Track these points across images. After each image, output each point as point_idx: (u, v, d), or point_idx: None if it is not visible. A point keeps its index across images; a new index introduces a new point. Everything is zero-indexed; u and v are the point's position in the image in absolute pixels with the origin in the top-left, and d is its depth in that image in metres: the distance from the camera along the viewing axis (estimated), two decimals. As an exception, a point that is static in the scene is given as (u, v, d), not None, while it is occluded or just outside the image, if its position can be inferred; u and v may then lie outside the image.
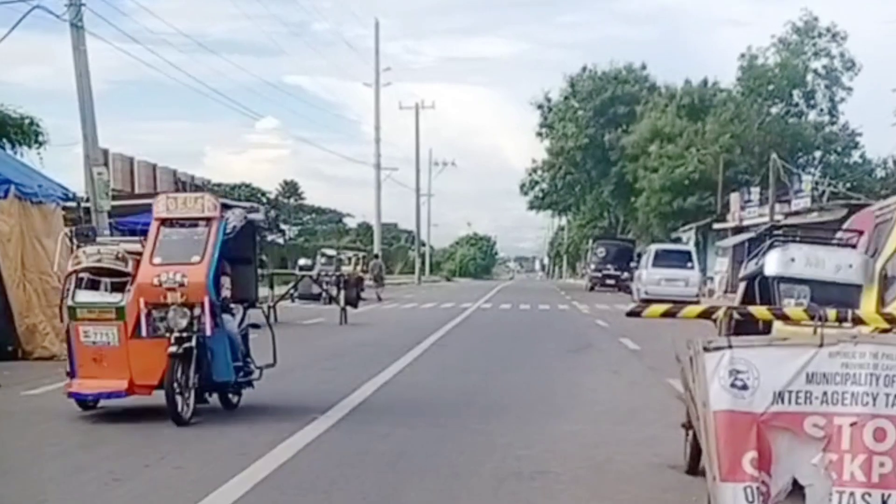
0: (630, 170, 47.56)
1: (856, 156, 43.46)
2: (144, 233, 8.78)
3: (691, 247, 29.27)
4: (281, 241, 41.96)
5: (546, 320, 25.57)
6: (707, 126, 44.19)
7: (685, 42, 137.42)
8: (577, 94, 52.69)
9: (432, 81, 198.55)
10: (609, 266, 50.71)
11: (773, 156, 33.14)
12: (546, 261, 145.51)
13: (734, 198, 38.81)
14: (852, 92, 43.15)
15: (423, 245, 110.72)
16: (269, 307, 23.11)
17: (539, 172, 60.14)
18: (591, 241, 58.75)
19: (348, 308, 23.26)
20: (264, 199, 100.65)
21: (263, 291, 24.14)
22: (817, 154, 43.84)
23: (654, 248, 28.24)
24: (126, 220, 18.96)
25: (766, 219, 33.59)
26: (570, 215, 76.86)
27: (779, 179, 33.56)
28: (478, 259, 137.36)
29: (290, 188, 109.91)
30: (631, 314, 5.67)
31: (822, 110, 43.28)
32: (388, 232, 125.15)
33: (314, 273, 34.31)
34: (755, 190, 36.99)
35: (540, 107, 55.91)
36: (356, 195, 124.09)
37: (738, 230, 37.86)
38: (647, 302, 28.35)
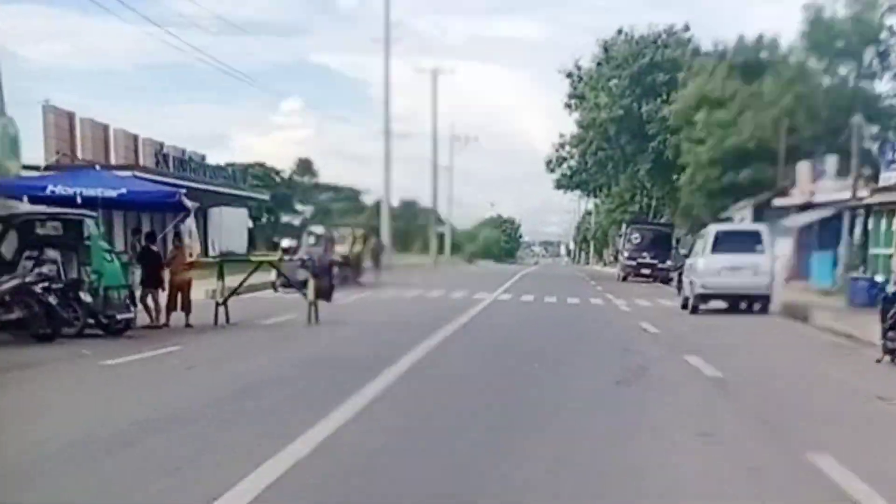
0: (671, 144, 41.64)
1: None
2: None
3: (761, 225, 23.27)
4: (296, 221, 36.67)
5: (577, 322, 20.03)
6: (765, 86, 38.14)
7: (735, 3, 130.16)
8: (611, 61, 46.77)
9: (459, 58, 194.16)
10: (645, 253, 45.11)
11: (857, 117, 27.15)
12: (572, 246, 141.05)
13: (803, 168, 32.86)
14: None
15: (443, 223, 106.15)
16: (216, 304, 17.99)
17: (567, 148, 54.29)
18: (623, 225, 52.94)
19: (320, 302, 17.77)
20: (277, 179, 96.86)
21: (210, 284, 18.88)
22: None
23: (713, 228, 22.48)
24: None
25: (847, 194, 27.78)
26: (601, 196, 71.01)
27: (863, 149, 27.63)
28: (501, 242, 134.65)
29: (304, 166, 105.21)
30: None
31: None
32: (407, 209, 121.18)
33: (300, 255, 29.09)
34: (832, 159, 31.04)
35: (569, 75, 50.09)
36: (381, 173, 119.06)
37: (806, 207, 31.95)
38: (705, 298, 22.66)
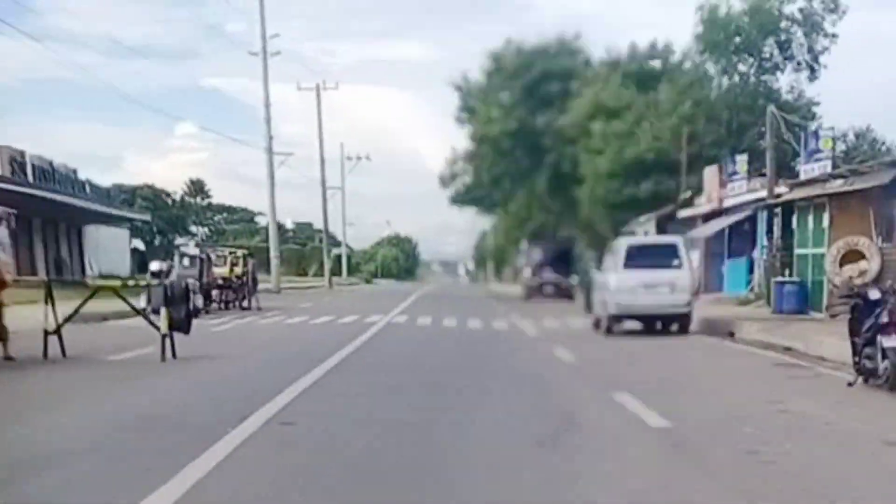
0: (568, 155, 39.50)
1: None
2: None
3: (676, 238, 21.07)
4: (191, 243, 33.28)
5: (482, 351, 17.42)
6: (661, 95, 36.36)
7: (625, 13, 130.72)
8: (501, 72, 44.49)
9: (350, 82, 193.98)
10: (547, 271, 43.02)
11: (771, 108, 25.24)
12: (471, 266, 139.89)
13: (710, 173, 30.91)
14: (837, 39, 35.55)
15: (338, 244, 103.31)
16: (45, 333, 14.77)
17: (460, 164, 51.79)
18: (524, 242, 50.76)
19: (177, 334, 14.86)
20: (168, 200, 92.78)
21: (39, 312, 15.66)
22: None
23: (624, 242, 20.23)
24: None
25: (761, 194, 25.89)
26: (498, 213, 68.63)
27: (782, 141, 25.76)
28: (400, 260, 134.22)
29: (197, 187, 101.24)
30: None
31: (799, 63, 35.57)
32: (302, 231, 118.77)
33: (171, 279, 25.94)
34: (741, 159, 29.08)
35: (458, 88, 47.65)
36: (281, 195, 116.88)
37: (715, 214, 30.03)
38: (619, 318, 20.27)
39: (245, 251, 34.61)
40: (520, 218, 66.04)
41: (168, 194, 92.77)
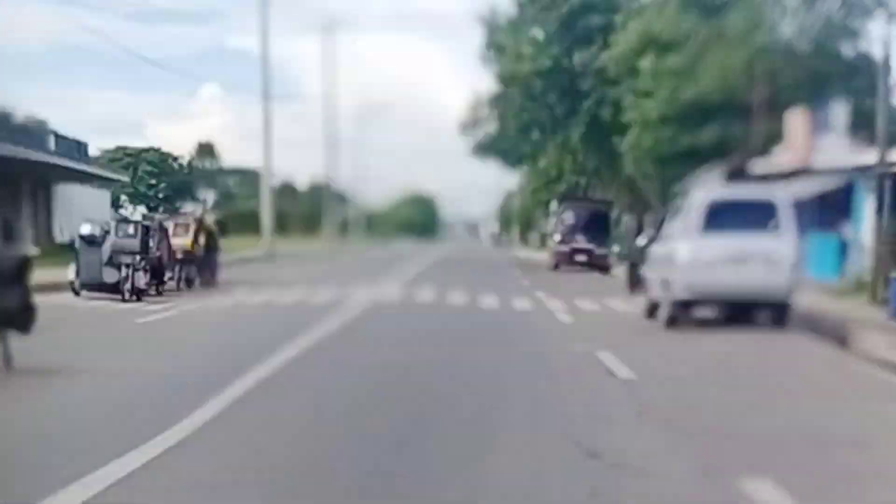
0: (610, 100, 33.87)
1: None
2: None
3: (776, 192, 15.72)
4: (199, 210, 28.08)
5: (492, 353, 12.23)
6: (729, 22, 30.60)
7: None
8: (535, 2, 38.84)
9: (375, 33, 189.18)
10: (580, 237, 37.89)
11: (884, 44, 19.58)
12: (495, 229, 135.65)
13: (796, 120, 25.24)
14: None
15: (345, 203, 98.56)
16: None
17: (485, 109, 46.21)
18: (554, 202, 45.35)
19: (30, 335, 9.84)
20: (175, 165, 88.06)
21: None
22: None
23: (704, 195, 14.75)
24: None
25: (860, 159, 20.51)
26: (526, 169, 62.97)
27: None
28: (419, 221, 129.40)
29: (206, 151, 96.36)
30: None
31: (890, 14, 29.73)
32: (317, 193, 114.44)
33: (106, 248, 21.02)
34: (841, 108, 23.44)
35: (485, 21, 41.93)
36: (303, 156, 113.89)
37: (799, 173, 24.54)
38: (689, 305, 14.96)
39: (216, 217, 29.51)
40: (549, 175, 60.67)
41: (175, 158, 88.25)
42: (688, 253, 14.31)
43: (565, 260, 38.21)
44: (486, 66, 41.88)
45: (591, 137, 38.71)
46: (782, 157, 25.99)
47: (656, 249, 16.29)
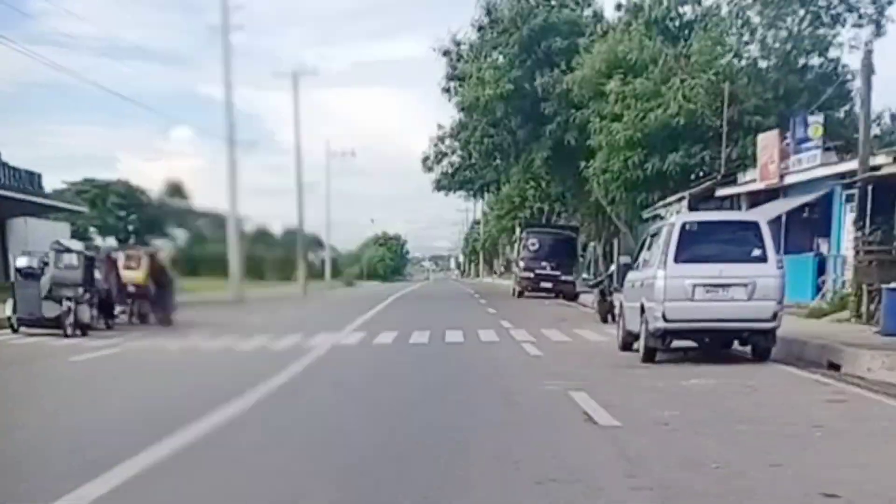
0: (575, 123, 32.93)
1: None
2: None
3: (755, 216, 14.75)
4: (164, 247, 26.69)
5: (456, 397, 11.02)
6: (694, 46, 29.92)
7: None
8: (495, 25, 37.99)
9: (344, 86, 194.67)
10: (545, 263, 37.02)
11: (868, 48, 18.73)
12: (461, 259, 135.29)
13: (766, 141, 24.33)
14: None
15: (321, 247, 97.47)
16: None
17: (447, 141, 45.32)
18: (517, 229, 44.36)
19: None
20: (144, 199, 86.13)
21: None
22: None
23: (678, 220, 13.71)
24: None
25: (837, 169, 19.69)
26: (488, 197, 62.26)
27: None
28: (387, 260, 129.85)
29: (174, 189, 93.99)
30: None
31: (860, 16, 29.15)
32: (290, 237, 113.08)
33: (45, 281, 19.76)
34: (815, 121, 22.56)
35: (446, 53, 41.09)
36: (274, 202, 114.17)
37: (765, 196, 23.72)
38: (665, 337, 13.82)
39: (170, 251, 28.20)
40: (513, 202, 59.93)
41: (143, 192, 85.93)
42: (665, 280, 13.25)
43: (530, 287, 37.32)
44: (449, 98, 41.01)
45: (555, 162, 37.80)
46: (752, 179, 25.15)
47: (632, 277, 15.23)
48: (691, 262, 13.28)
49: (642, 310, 13.77)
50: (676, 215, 14.08)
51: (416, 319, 25.13)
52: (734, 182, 26.67)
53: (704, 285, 13.18)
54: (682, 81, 29.18)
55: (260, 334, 20.33)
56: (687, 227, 13.48)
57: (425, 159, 47.33)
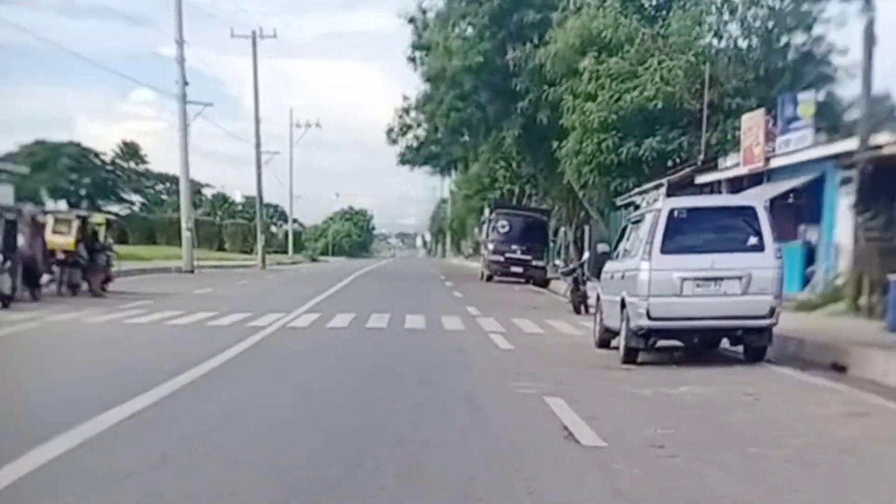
0: (547, 101, 31.47)
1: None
2: None
3: (751, 199, 13.40)
4: (117, 210, 24.77)
5: (408, 402, 9.43)
6: (672, 25, 28.58)
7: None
8: (464, -6, 36.36)
9: (312, 57, 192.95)
10: (515, 247, 35.82)
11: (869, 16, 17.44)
12: (428, 237, 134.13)
13: (751, 122, 22.97)
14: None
15: (284, 219, 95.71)
16: None
17: (413, 114, 43.67)
18: (486, 210, 43.00)
19: None
20: (98, 161, 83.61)
21: None
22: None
23: (665, 205, 12.33)
24: None
25: (829, 150, 18.50)
26: (455, 175, 60.76)
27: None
28: (353, 235, 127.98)
29: (131, 150, 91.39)
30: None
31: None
32: (250, 205, 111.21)
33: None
34: (806, 98, 21.22)
35: (412, 20, 39.30)
36: (237, 171, 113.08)
37: (748, 181, 22.52)
38: (648, 336, 12.42)
39: (105, 216, 26.72)
40: (482, 182, 58.47)
41: (97, 154, 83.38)
42: (649, 273, 11.93)
43: (499, 271, 36.07)
44: (415, 68, 39.33)
45: (527, 141, 36.37)
46: (734, 164, 23.90)
47: (610, 268, 13.92)
48: (679, 252, 11.99)
49: (623, 305, 12.47)
50: (662, 200, 12.67)
51: (377, 300, 23.80)
52: (715, 168, 25.40)
53: (694, 279, 11.89)
54: (660, 63, 27.82)
55: (202, 311, 18.94)
56: (675, 213, 12.15)
57: (389, 131, 45.73)
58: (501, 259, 35.88)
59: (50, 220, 22.30)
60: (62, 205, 76.22)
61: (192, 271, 40.42)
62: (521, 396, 9.53)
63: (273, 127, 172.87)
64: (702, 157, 26.41)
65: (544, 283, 33.65)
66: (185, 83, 42.10)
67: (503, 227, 36.50)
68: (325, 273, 44.38)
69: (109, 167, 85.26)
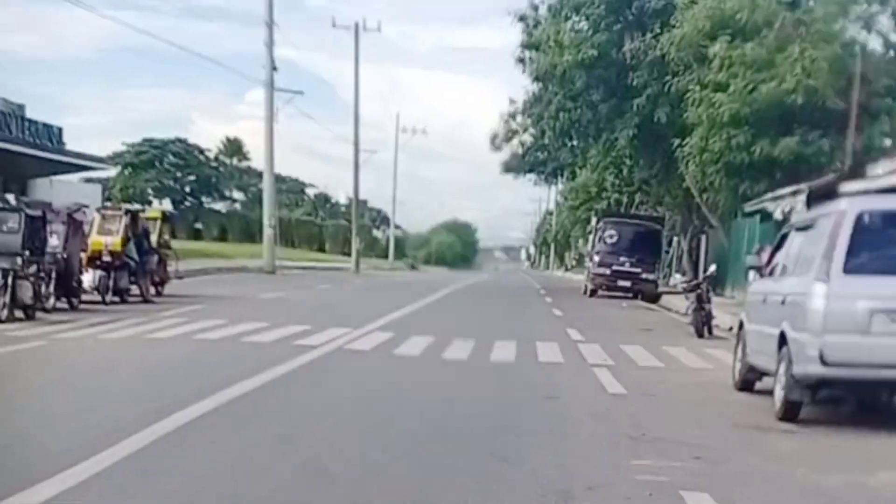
0: (670, 93, 27.76)
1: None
2: None
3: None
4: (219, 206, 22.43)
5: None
6: (817, 10, 24.65)
7: None
8: (580, -15, 33.03)
9: (425, 68, 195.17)
10: (624, 258, 32.28)
11: None
12: (532, 250, 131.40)
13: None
14: None
15: (387, 224, 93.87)
16: None
17: (519, 118, 40.33)
18: (594, 218, 39.44)
19: None
20: (202, 158, 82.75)
21: None
22: None
23: (854, 207, 8.66)
24: None
25: None
26: (562, 183, 57.23)
27: None
28: (456, 247, 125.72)
29: (234, 147, 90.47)
30: None
31: None
32: (358, 207, 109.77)
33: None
34: None
35: (522, 18, 36.04)
36: (345, 174, 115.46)
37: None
38: (821, 387, 8.71)
39: (160, 211, 24.23)
40: (589, 192, 54.91)
41: (201, 151, 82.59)
42: (826, 299, 8.43)
43: (605, 285, 32.55)
44: (523, 69, 35.93)
45: (642, 142, 32.60)
46: (888, 171, 20.01)
47: (762, 289, 10.43)
48: (869, 272, 8.49)
49: (782, 341, 9.00)
50: (845, 200, 9.10)
51: (464, 320, 20.57)
52: (863, 176, 21.46)
53: (888, 311, 8.34)
54: (802, 52, 23.92)
55: (252, 320, 16.08)
56: (865, 217, 8.61)
57: (494, 137, 42.38)
58: (608, 272, 32.34)
59: (97, 218, 19.69)
60: (167, 203, 75.58)
61: (273, 272, 37.90)
62: (644, 489, 6.17)
63: (381, 134, 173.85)
64: (848, 163, 22.49)
65: (655, 299, 30.15)
66: (274, 68, 39.79)
67: (611, 236, 32.95)
68: (420, 283, 41.34)
69: (213, 164, 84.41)
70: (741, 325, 11.02)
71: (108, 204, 20.42)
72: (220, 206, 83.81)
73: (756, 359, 10.18)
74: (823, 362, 8.42)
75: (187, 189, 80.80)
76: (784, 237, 10.50)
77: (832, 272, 8.48)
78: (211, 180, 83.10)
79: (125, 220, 19.77)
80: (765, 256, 11.10)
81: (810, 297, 8.58)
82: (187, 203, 78.69)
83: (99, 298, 18.88)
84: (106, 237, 19.28)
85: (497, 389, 10.76)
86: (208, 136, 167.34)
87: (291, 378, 10.55)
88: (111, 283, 19.11)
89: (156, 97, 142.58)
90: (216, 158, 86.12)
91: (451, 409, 9.35)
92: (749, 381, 10.60)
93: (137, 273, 20.03)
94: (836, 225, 8.66)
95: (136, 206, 24.27)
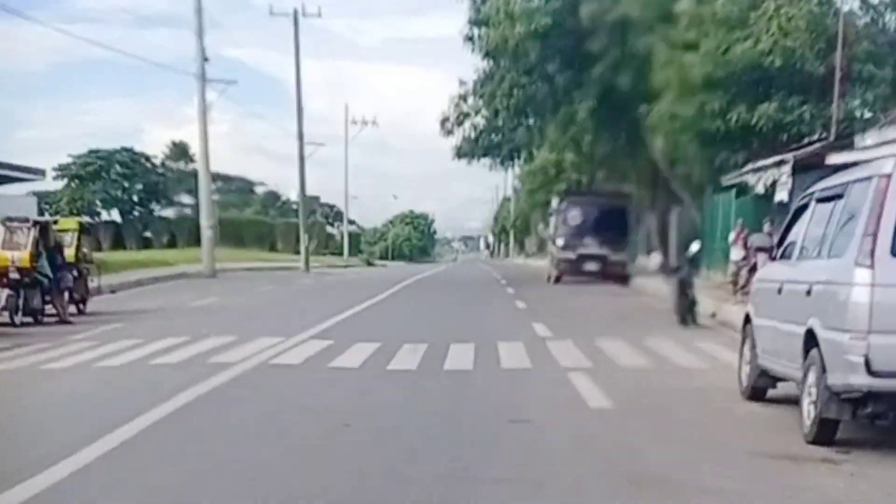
0: (634, 56, 25.88)
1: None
2: None
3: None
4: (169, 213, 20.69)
5: None
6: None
7: None
8: (530, -51, 31.08)
9: (375, 61, 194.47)
10: (589, 240, 30.56)
11: None
12: (490, 239, 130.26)
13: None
14: None
15: (349, 223, 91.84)
16: None
17: (470, 100, 38.30)
18: (554, 199, 37.57)
19: None
20: (148, 165, 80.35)
21: None
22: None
23: (881, 170, 6.67)
24: None
25: None
26: (519, 166, 55.13)
27: None
28: (413, 239, 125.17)
29: (179, 151, 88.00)
30: None
31: None
32: (307, 205, 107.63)
33: None
34: None
35: (470, -7, 33.99)
36: (295, 171, 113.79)
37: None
38: (867, 403, 6.71)
39: (79, 221, 22.16)
40: (548, 174, 53.12)
41: (147, 158, 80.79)
42: (870, 289, 6.63)
43: (571, 270, 30.80)
44: (472, 48, 33.90)
45: (604, 113, 30.70)
46: (879, 142, 18.44)
47: (771, 274, 8.64)
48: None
49: (810, 342, 7.18)
50: (890, 161, 7.25)
51: (417, 320, 18.65)
52: (851, 146, 19.89)
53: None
54: (778, 9, 22.25)
55: (171, 335, 14.13)
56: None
57: (444, 121, 40.31)
58: (573, 256, 30.59)
59: (1, 231, 17.52)
60: (115, 214, 73.49)
61: (213, 276, 35.78)
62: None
63: (332, 129, 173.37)
64: (833, 132, 20.89)
65: (626, 280, 28.81)
66: (205, 59, 37.41)
67: (574, 217, 31.23)
68: (373, 279, 39.28)
69: (160, 170, 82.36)
70: (747, 319, 9.20)
71: (12, 216, 18.17)
72: (169, 212, 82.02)
73: (770, 362, 8.36)
74: (870, 371, 6.60)
75: (135, 198, 79.14)
76: (801, 209, 8.65)
77: (878, 254, 6.64)
78: (158, 187, 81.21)
79: (34, 232, 17.53)
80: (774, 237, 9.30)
81: (849, 286, 6.72)
82: (136, 212, 77.18)
83: (8, 320, 16.85)
84: (13, 252, 17.11)
85: (449, 410, 8.82)
86: (160, 144, 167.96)
87: (181, 416, 8.47)
88: (21, 302, 16.99)
89: (108, 108, 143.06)
90: (163, 164, 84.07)
91: (387, 448, 7.33)
92: (760, 388, 8.81)
93: (52, 291, 17.90)
94: (879, 192, 6.81)
95: (45, 218, 22.11)
